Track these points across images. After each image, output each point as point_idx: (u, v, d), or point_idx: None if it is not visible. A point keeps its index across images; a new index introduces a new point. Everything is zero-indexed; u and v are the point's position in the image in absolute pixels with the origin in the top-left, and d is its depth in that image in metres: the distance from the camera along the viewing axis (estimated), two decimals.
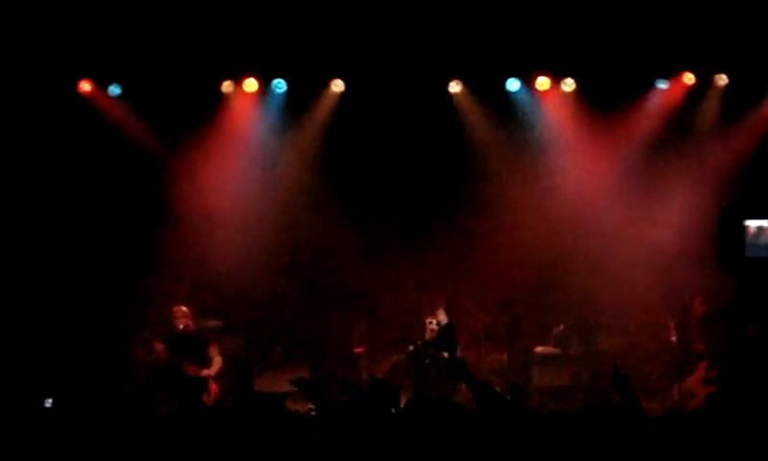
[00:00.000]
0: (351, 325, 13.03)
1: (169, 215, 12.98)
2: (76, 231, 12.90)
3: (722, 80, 12.86)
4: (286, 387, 8.83)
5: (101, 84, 13.09)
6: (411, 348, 11.52)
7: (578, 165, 12.94)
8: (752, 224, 2.37)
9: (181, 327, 11.32)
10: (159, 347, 11.24)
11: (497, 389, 11.27)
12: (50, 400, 9.78)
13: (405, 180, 13.22)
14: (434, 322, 11.66)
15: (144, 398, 10.89)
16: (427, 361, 11.31)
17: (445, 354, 11.13)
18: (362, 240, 13.18)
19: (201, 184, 13.15)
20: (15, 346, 11.84)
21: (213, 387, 10.97)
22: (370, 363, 12.65)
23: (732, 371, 10.47)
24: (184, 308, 11.47)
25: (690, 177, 12.72)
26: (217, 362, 11.12)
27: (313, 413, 8.79)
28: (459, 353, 11.30)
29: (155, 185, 13.10)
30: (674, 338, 11.40)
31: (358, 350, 12.79)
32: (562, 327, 12.76)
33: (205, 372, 10.98)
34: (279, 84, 13.14)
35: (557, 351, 12.64)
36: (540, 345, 12.70)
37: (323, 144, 13.16)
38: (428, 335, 11.57)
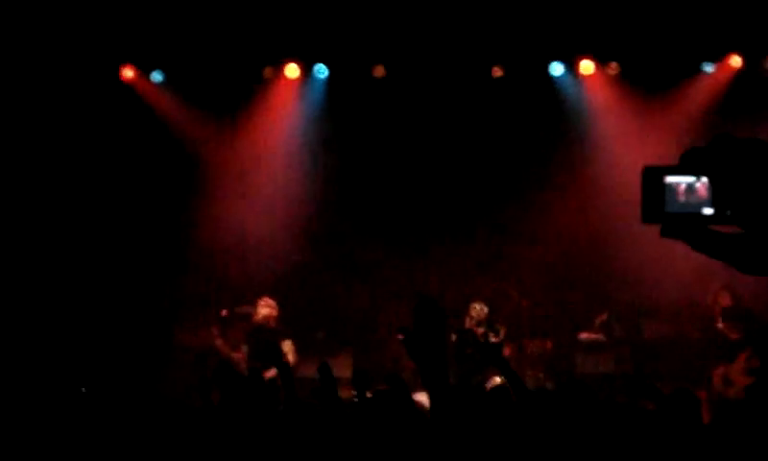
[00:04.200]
0: (395, 312, 13.00)
1: (209, 200, 13.05)
2: (118, 215, 12.96)
3: None
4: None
5: (144, 71, 13.18)
6: (453, 336, 11.40)
7: (623, 150, 12.77)
8: (679, 181, 2.31)
9: (261, 319, 11.04)
10: (219, 341, 11.00)
11: (540, 376, 11.25)
12: (83, 389, 9.52)
13: (448, 167, 13.17)
14: (477, 307, 11.54)
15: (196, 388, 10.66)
16: (469, 350, 11.18)
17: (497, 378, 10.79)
18: (406, 229, 13.19)
19: (242, 170, 13.23)
20: (51, 331, 11.84)
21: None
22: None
23: None
24: (269, 301, 11.16)
25: None
26: (290, 359, 10.61)
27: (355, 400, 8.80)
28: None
29: (195, 171, 13.18)
30: (720, 325, 11.24)
31: (401, 336, 12.69)
32: (606, 313, 12.64)
33: (268, 374, 10.47)
34: (321, 70, 13.14)
35: (601, 337, 12.51)
36: (585, 332, 12.59)
37: (364, 131, 13.14)
38: (469, 323, 11.44)
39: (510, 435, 5.85)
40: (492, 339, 11.08)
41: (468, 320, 11.35)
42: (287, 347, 10.86)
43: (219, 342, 11.14)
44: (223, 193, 13.11)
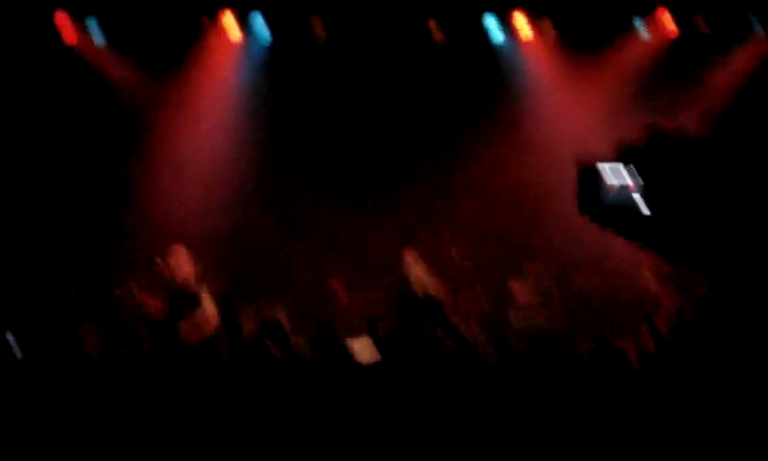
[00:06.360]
0: (329, 263, 13.14)
1: (145, 156, 13.00)
2: (51, 165, 12.83)
3: (701, 23, 12.89)
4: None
5: (78, 19, 13.04)
6: (391, 288, 11.50)
7: (557, 110, 13.02)
8: (613, 178, 2.51)
9: (177, 277, 10.66)
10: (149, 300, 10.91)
11: (473, 330, 11.41)
12: (11, 336, 9.14)
13: (384, 123, 13.28)
14: (411, 258, 11.64)
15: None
16: (405, 300, 11.27)
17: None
18: (341, 182, 13.29)
19: (178, 125, 13.20)
20: None
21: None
22: (348, 300, 12.73)
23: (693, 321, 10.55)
24: (182, 254, 10.73)
25: (670, 114, 12.77)
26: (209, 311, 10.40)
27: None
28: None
29: (131, 126, 13.10)
30: (649, 279, 11.48)
31: (336, 287, 12.84)
32: (538, 267, 12.85)
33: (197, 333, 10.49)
34: (258, 22, 13.14)
35: (534, 292, 12.71)
36: (518, 286, 12.78)
37: (303, 88, 13.18)
38: (405, 275, 11.51)
39: (454, 385, 6.04)
40: (434, 291, 11.17)
41: (405, 273, 11.42)
42: (206, 299, 10.56)
43: (141, 294, 11.04)
44: (161, 148, 13.07)
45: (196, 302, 10.62)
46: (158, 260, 11.56)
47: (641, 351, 10.67)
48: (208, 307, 10.59)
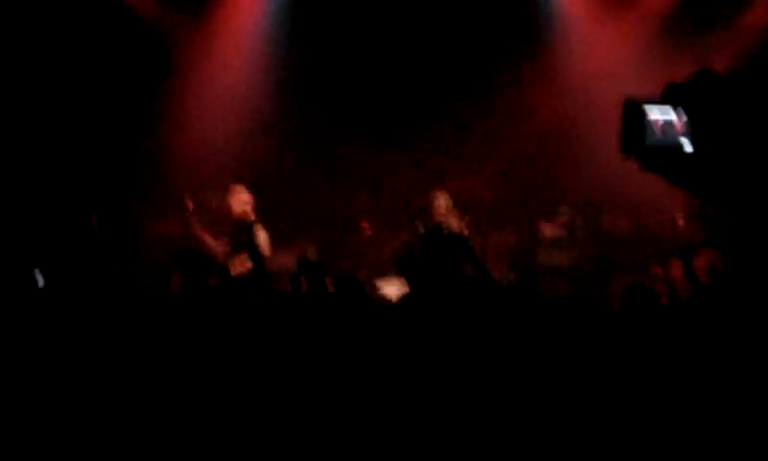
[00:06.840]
0: (356, 203, 13.13)
1: (172, 88, 12.98)
2: (79, 100, 12.83)
3: None
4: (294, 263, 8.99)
5: None
6: (419, 227, 11.42)
7: (589, 41, 12.88)
8: (659, 118, 2.42)
9: (238, 212, 10.61)
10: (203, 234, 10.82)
11: (503, 268, 11.36)
12: (41, 276, 8.93)
13: (415, 60, 13.19)
14: (440, 198, 11.56)
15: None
16: (434, 240, 11.20)
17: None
18: (371, 122, 13.22)
19: (211, 61, 13.17)
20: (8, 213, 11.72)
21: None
22: (376, 240, 12.73)
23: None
24: (243, 192, 10.71)
25: (702, 54, 12.62)
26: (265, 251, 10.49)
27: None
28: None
29: (159, 57, 13.07)
30: (681, 221, 11.38)
31: (364, 226, 12.81)
32: (568, 206, 12.77)
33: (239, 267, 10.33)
34: None
35: (563, 231, 12.63)
36: (547, 225, 12.70)
37: (330, 23, 13.10)
38: (434, 214, 11.43)
39: (480, 327, 6.01)
40: (463, 231, 11.09)
41: (433, 212, 11.36)
42: (262, 238, 10.60)
43: (201, 230, 10.98)
44: (192, 83, 13.05)
45: (249, 240, 10.55)
46: (189, 203, 11.55)
47: (671, 291, 10.61)
48: (262, 244, 10.51)
